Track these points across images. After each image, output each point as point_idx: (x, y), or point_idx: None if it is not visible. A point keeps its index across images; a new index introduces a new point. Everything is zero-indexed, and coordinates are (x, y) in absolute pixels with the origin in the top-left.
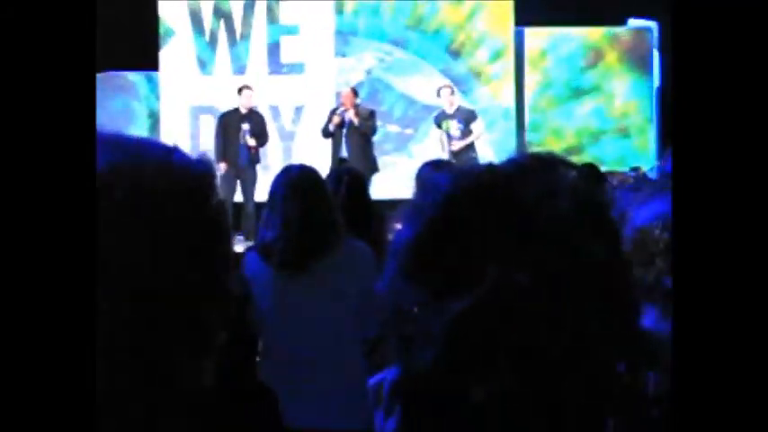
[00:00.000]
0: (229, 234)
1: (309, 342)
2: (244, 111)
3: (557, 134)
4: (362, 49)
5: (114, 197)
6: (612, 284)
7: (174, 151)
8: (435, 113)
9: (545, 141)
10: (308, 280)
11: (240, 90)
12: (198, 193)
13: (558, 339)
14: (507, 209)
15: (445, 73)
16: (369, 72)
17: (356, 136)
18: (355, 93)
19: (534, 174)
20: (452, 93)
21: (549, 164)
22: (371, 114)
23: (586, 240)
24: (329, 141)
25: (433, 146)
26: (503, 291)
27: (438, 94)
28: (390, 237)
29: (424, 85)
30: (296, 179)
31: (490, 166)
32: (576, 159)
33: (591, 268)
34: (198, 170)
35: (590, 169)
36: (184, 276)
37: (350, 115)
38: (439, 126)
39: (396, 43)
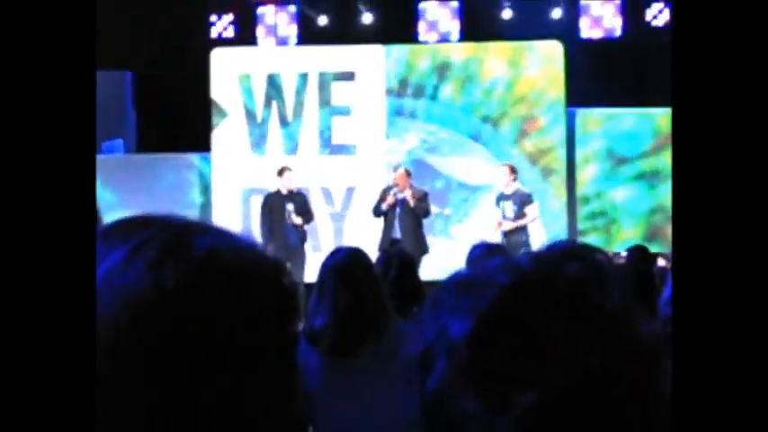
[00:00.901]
0: (299, 317)
1: (360, 427)
2: (285, 191)
3: (611, 216)
4: (406, 130)
5: (212, 276)
6: (658, 362)
7: (251, 239)
8: (497, 194)
9: (597, 226)
10: (357, 365)
11: (281, 172)
12: (278, 276)
13: (626, 426)
14: (558, 298)
15: (495, 154)
16: (410, 152)
17: (409, 217)
18: (409, 173)
19: (576, 260)
20: (510, 173)
21: (587, 250)
22: (425, 196)
23: (634, 324)
24: (379, 222)
25: (475, 227)
26: (568, 381)
27: (497, 174)
28: None
29: (467, 165)
30: (344, 264)
31: (532, 255)
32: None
33: (643, 350)
34: (272, 256)
35: (639, 250)
36: (264, 364)
37: (407, 196)
38: (498, 206)
39: (443, 123)
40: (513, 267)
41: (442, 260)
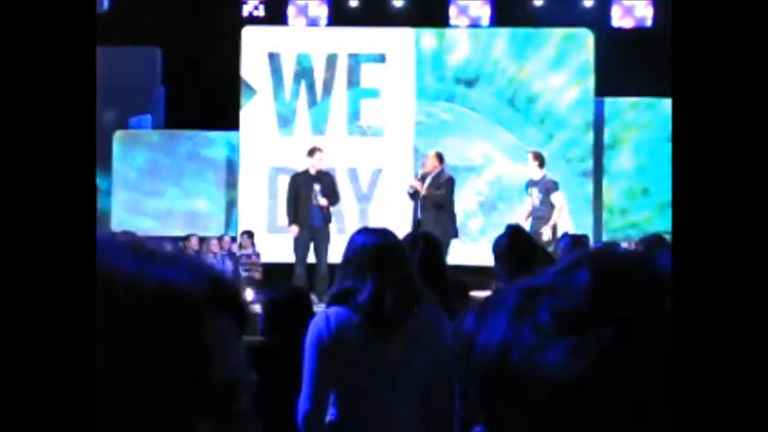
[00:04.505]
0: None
1: (399, 394)
2: (314, 172)
3: (638, 206)
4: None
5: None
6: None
7: (203, 269)
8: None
9: (624, 217)
10: (398, 337)
11: (311, 152)
12: (192, 317)
13: None
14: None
15: (522, 139)
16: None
17: (428, 203)
18: (440, 157)
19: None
20: (535, 159)
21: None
22: (448, 182)
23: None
24: (404, 204)
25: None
26: None
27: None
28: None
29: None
30: (391, 243)
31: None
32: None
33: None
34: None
35: (656, 238)
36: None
37: (417, 187)
38: (527, 192)
39: (464, 105)
40: (618, 318)
41: None
